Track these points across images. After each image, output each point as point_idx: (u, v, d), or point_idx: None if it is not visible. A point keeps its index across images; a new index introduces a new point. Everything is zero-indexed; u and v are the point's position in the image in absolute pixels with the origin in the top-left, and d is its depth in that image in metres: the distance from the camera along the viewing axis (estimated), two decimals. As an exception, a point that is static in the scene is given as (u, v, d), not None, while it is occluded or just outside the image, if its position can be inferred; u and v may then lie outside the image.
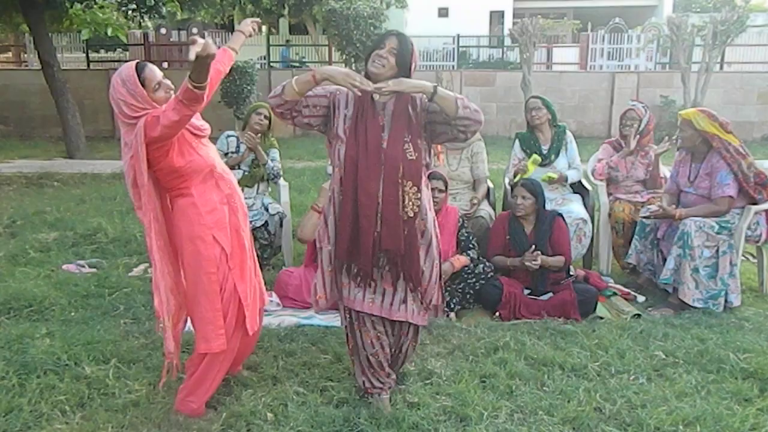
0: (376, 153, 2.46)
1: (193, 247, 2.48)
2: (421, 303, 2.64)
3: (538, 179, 4.17)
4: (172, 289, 2.53)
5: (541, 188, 3.94)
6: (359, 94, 2.43)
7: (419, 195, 2.50)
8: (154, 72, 2.46)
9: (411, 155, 2.47)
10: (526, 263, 3.72)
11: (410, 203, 2.48)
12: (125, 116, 2.40)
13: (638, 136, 4.54)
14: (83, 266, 4.59)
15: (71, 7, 10.24)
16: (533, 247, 3.74)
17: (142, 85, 2.40)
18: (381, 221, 2.48)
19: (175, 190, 2.53)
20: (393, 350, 2.76)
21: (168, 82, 2.51)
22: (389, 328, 2.70)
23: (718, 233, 3.75)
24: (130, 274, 4.46)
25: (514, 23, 15.96)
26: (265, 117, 4.51)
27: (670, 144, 4.46)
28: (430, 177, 3.85)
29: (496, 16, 21.89)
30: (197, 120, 2.57)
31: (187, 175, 2.48)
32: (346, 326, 2.74)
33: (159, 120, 2.31)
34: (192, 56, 2.14)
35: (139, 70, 2.42)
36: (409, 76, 2.51)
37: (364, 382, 2.71)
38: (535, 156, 4.38)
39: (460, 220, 3.93)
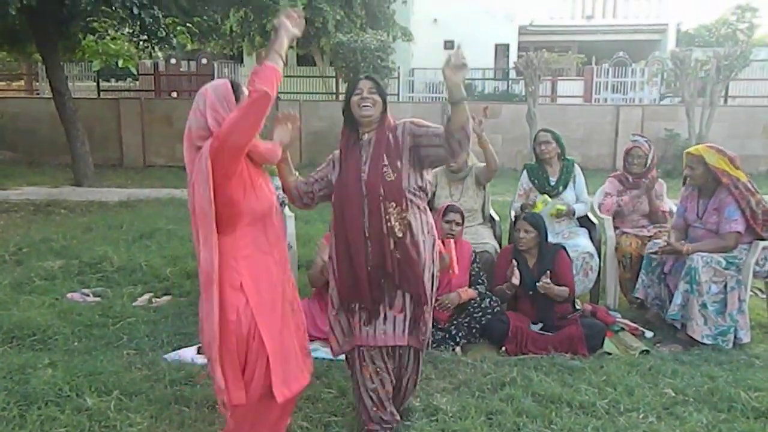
0: (356, 182, 2.59)
1: (221, 289, 2.25)
2: (424, 328, 2.66)
3: (545, 213, 4.17)
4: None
5: (543, 222, 3.94)
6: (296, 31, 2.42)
7: (404, 214, 2.56)
8: (246, 91, 2.35)
9: (389, 176, 2.58)
10: (538, 286, 3.69)
11: (397, 223, 2.55)
12: (200, 134, 2.25)
13: (647, 182, 4.48)
14: (88, 295, 4.58)
15: (84, 38, 10.42)
16: (547, 272, 3.72)
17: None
18: (370, 248, 2.56)
19: (221, 225, 2.27)
20: (395, 384, 2.74)
21: None
22: (390, 363, 2.69)
23: (725, 268, 3.72)
24: (134, 303, 4.44)
25: (519, 56, 16.13)
26: None
27: (654, 178, 4.45)
28: (447, 210, 3.91)
29: (502, 49, 22.11)
30: (263, 142, 2.41)
31: (239, 212, 2.31)
32: (347, 361, 2.77)
33: (225, 128, 2.18)
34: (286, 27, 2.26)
35: (234, 86, 2.36)
36: (386, 110, 2.68)
37: (365, 420, 2.71)
38: (545, 197, 4.40)
39: (473, 255, 3.93)
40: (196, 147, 2.26)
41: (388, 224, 2.54)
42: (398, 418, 2.75)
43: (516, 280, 3.72)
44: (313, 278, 4.00)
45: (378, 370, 2.66)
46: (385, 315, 2.61)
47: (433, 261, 2.69)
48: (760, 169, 12.68)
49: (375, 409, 2.67)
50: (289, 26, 2.35)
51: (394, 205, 2.55)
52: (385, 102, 2.67)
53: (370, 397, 2.66)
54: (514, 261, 3.78)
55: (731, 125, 12.94)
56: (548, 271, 3.72)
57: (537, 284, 3.69)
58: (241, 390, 2.28)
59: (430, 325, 2.73)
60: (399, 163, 2.60)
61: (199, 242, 2.24)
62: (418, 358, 2.77)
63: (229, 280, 2.27)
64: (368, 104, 2.62)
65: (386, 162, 2.59)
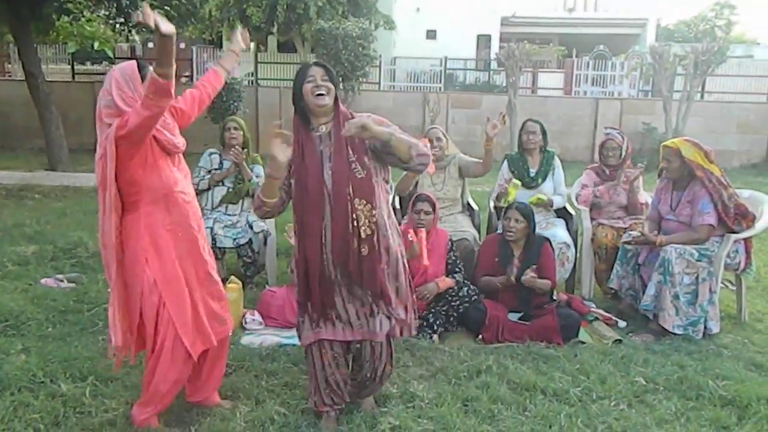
0: (318, 181, 2.46)
1: (129, 264, 2.49)
2: (401, 319, 2.65)
3: (525, 201, 4.20)
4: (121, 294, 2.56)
5: (532, 213, 3.97)
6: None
7: (374, 212, 2.48)
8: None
9: (359, 173, 2.47)
10: (523, 279, 3.72)
11: (366, 221, 2.46)
12: (108, 112, 2.38)
13: (625, 172, 4.54)
14: (62, 281, 4.52)
15: (58, 19, 10.18)
16: (534, 267, 3.75)
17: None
18: (328, 245, 2.48)
19: (126, 203, 2.48)
20: (368, 374, 2.75)
21: None
22: (349, 351, 2.73)
23: (698, 260, 3.80)
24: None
25: (500, 47, 16.16)
26: (235, 129, 4.50)
27: (640, 171, 4.52)
28: (416, 199, 3.87)
29: (484, 40, 22.18)
30: (173, 135, 2.54)
31: (140, 190, 2.46)
32: (305, 348, 2.74)
33: (129, 118, 2.32)
34: (150, 22, 2.10)
35: (141, 66, 2.48)
36: (338, 98, 2.57)
37: (315, 402, 2.73)
38: (515, 181, 4.44)
39: (449, 243, 3.94)
40: (106, 124, 2.40)
41: (355, 223, 2.44)
42: (347, 399, 2.77)
43: (513, 279, 3.74)
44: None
45: (335, 356, 2.67)
46: (346, 311, 2.58)
47: (401, 254, 2.65)
48: (734, 164, 12.92)
49: (328, 391, 2.70)
50: (158, 21, 2.16)
51: (365, 202, 2.46)
52: (337, 90, 2.55)
53: (326, 381, 2.68)
54: (516, 260, 3.79)
55: (707, 120, 13.14)
56: (534, 266, 3.75)
57: (522, 278, 3.72)
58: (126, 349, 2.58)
59: (412, 311, 2.72)
60: (366, 158, 2.50)
61: (102, 214, 2.43)
62: (391, 346, 2.77)
63: (136, 256, 2.46)
64: (323, 92, 2.48)
65: (353, 158, 2.48)
